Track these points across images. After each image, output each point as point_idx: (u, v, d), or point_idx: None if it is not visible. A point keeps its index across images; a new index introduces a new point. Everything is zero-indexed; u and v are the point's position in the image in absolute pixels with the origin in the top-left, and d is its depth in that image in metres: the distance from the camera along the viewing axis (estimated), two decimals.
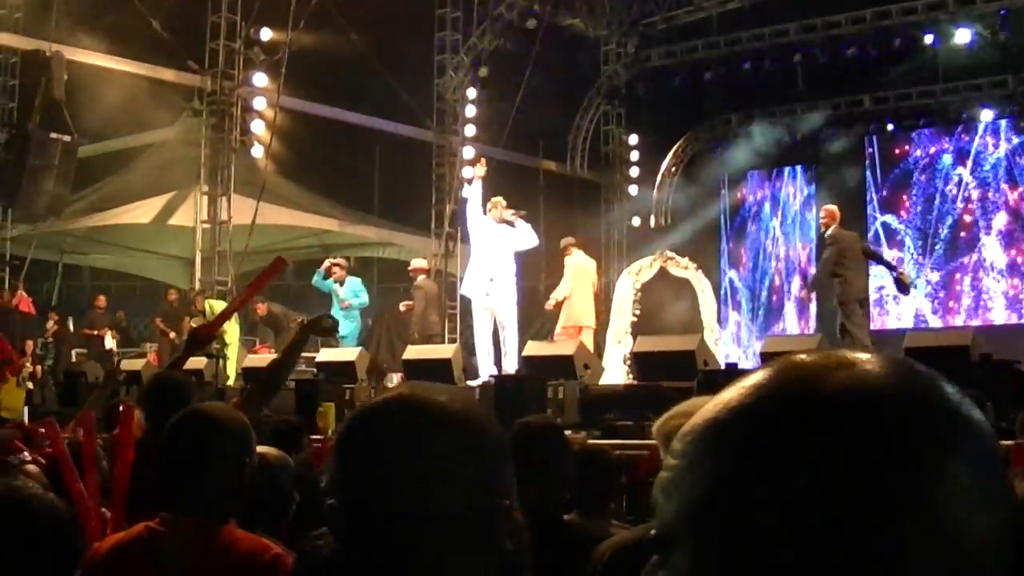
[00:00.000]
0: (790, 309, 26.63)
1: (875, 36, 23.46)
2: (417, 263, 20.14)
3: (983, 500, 0.96)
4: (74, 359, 21.95)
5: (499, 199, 16.65)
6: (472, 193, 17.08)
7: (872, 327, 24.53)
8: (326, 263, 20.00)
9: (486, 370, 16.12)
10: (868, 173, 25.80)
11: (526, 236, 16.62)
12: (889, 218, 25.46)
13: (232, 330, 20.56)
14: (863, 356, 1.03)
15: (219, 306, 19.87)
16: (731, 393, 1.03)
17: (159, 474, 3.71)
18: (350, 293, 19.91)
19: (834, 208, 17.36)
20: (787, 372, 1.03)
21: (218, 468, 3.58)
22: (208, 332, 6.87)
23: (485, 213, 16.50)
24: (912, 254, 25.07)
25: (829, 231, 16.83)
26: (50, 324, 22.26)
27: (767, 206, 27.21)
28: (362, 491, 1.83)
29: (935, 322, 24.44)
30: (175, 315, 22.21)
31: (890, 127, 25.39)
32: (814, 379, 1.00)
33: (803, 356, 1.04)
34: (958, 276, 24.58)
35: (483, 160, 18.06)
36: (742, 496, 0.97)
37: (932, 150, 25.22)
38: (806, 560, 0.94)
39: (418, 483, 1.79)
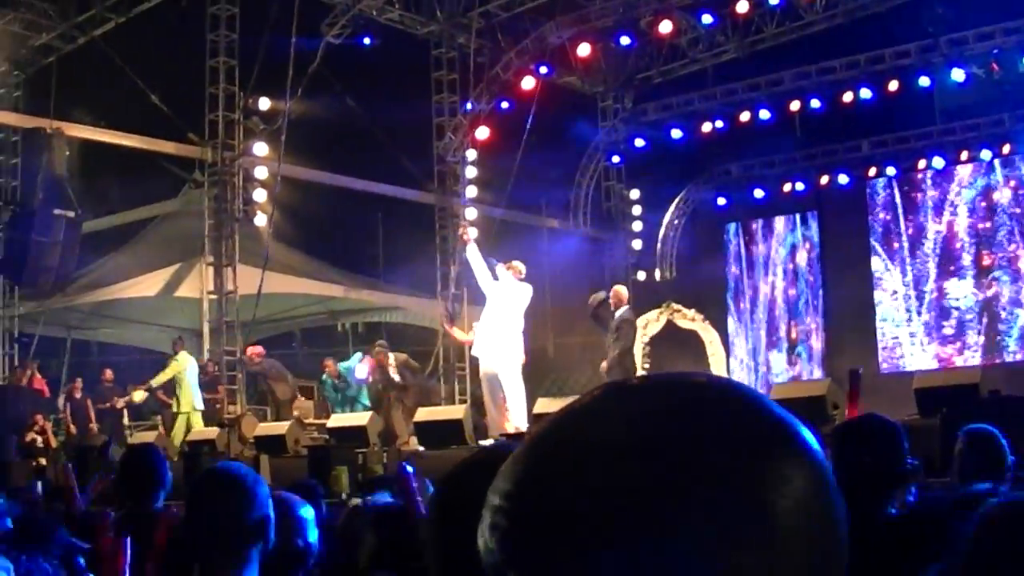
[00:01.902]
0: (782, 358, 26.62)
1: (870, 80, 23.58)
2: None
3: (815, 514, 0.94)
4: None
5: (515, 263, 16.37)
6: (472, 255, 16.84)
7: (883, 370, 24.55)
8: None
9: (496, 429, 16.04)
10: (869, 217, 25.83)
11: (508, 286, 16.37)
12: (891, 261, 25.45)
13: (185, 395, 20.53)
14: (700, 377, 1.01)
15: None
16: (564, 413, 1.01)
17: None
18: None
19: (622, 289, 17.45)
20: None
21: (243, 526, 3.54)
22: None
23: (495, 276, 16.28)
24: (913, 294, 25.06)
25: (619, 312, 16.80)
26: (76, 394, 22.01)
27: (773, 253, 27.19)
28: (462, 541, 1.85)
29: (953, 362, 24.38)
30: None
31: (889, 170, 25.41)
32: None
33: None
34: (967, 316, 24.58)
35: (465, 224, 18.39)
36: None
37: (932, 191, 25.25)
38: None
39: None
